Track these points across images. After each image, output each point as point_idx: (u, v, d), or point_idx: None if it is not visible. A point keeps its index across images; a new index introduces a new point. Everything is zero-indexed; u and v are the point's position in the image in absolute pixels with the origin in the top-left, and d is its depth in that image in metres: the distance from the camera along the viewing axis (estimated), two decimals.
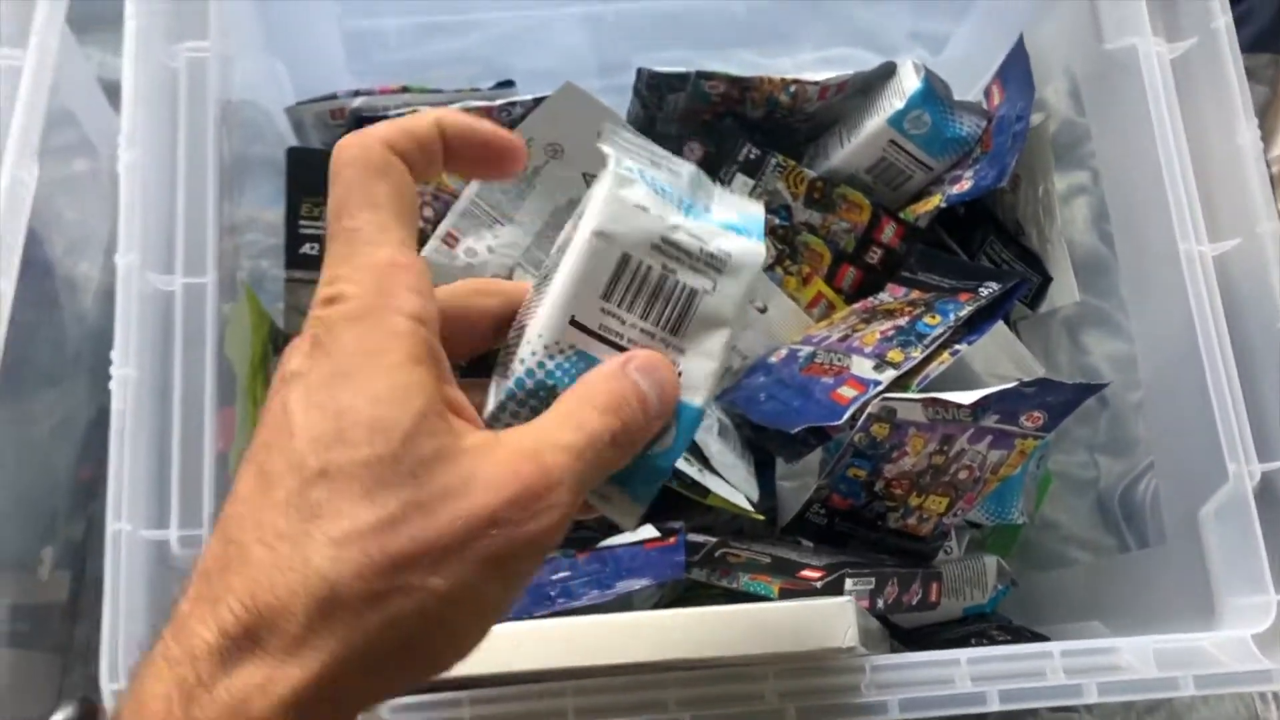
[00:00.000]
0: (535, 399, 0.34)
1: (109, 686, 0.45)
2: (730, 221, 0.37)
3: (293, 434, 0.30)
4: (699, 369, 0.36)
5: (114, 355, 0.46)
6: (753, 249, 0.36)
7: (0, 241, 0.46)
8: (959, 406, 0.57)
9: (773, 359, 0.67)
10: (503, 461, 0.31)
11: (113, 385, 0.45)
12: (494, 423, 0.35)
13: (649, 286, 0.35)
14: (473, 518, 0.29)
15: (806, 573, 0.54)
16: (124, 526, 0.45)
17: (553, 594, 0.56)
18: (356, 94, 0.66)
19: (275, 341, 0.65)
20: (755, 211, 0.38)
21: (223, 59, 0.52)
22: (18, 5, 0.49)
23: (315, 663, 0.28)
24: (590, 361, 0.34)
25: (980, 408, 0.57)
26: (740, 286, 0.36)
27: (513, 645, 0.44)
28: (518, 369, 0.34)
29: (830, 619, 0.44)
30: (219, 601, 0.29)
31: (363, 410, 0.30)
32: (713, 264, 0.35)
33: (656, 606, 0.62)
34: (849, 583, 0.54)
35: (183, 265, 0.49)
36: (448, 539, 0.29)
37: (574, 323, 0.34)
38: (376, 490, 0.29)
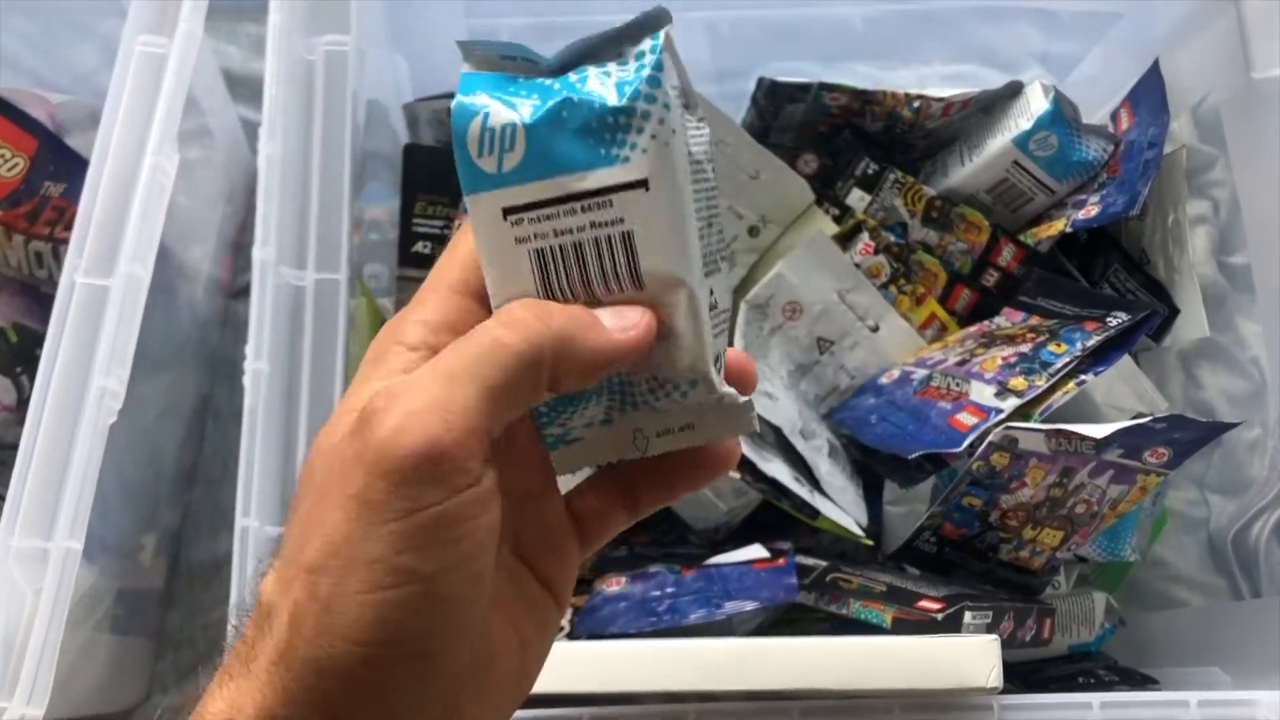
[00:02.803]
0: None
1: None
2: None
3: None
4: None
5: (248, 350, 0.45)
6: None
7: (140, 226, 0.45)
8: (1084, 439, 0.56)
9: (884, 380, 0.65)
10: None
11: (246, 380, 0.45)
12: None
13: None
14: None
15: (925, 603, 0.53)
16: (251, 523, 0.44)
17: (660, 610, 0.55)
18: None
19: None
20: None
21: (359, 53, 0.52)
22: None
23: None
24: None
25: (1106, 442, 0.55)
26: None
27: (639, 664, 0.43)
28: None
29: (974, 658, 0.43)
30: None
31: None
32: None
33: (759, 627, 0.61)
34: (968, 616, 0.52)
35: (315, 260, 0.48)
36: None
37: None
38: None
